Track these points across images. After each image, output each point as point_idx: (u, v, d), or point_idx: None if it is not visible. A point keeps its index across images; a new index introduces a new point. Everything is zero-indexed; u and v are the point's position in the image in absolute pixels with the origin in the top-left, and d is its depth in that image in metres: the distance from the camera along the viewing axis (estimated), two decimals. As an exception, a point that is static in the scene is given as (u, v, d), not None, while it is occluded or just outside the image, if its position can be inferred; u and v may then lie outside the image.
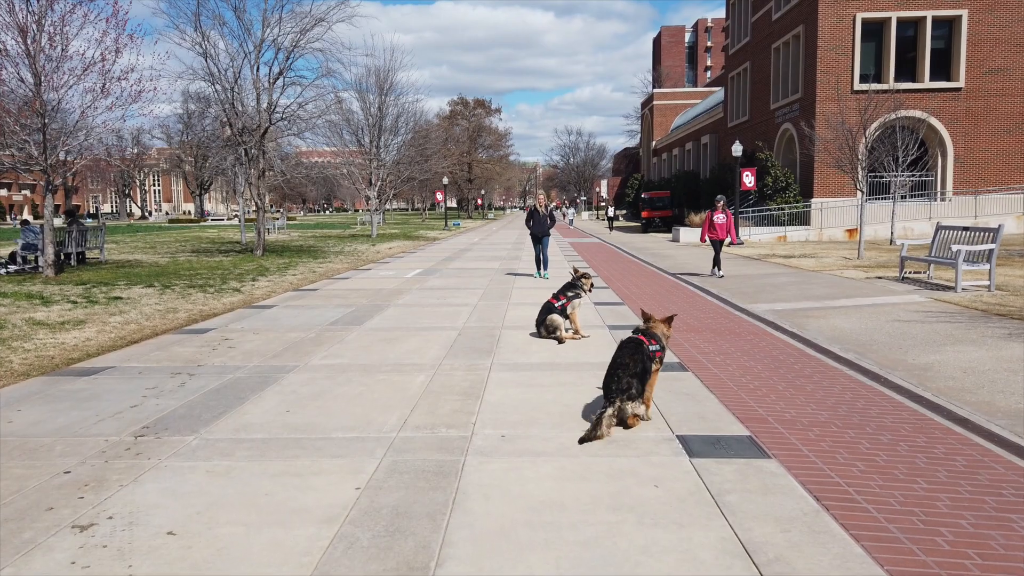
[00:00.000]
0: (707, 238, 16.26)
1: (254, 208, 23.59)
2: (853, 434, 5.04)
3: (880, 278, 14.47)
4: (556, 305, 8.76)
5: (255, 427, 5.30)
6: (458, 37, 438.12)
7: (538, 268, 16.67)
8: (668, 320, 5.85)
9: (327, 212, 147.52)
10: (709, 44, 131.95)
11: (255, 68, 21.61)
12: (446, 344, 8.44)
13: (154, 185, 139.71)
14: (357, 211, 60.84)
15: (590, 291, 9.02)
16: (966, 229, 12.77)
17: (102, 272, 17.19)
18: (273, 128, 23.06)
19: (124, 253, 24.63)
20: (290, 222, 68.66)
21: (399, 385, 6.52)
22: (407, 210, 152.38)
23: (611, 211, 49.31)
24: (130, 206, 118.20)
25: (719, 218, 16.10)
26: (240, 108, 21.40)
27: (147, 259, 21.75)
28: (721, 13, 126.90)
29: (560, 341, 8.47)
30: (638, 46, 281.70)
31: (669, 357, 7.40)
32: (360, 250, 26.56)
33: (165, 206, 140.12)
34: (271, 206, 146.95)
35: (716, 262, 16.06)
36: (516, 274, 17.34)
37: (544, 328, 8.71)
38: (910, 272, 14.21)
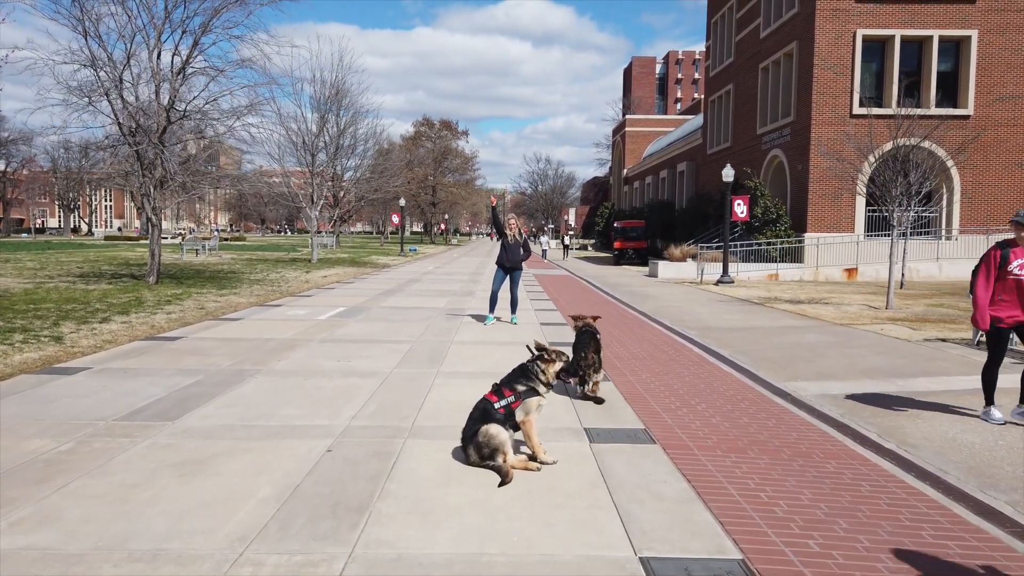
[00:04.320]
0: (990, 318, 6.50)
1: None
2: None
3: (943, 340, 10.90)
4: (497, 406, 4.91)
5: None
6: (435, 63, 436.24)
7: (491, 309, 12.86)
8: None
9: (287, 233, 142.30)
10: (680, 76, 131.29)
11: (155, 53, 17.61)
12: (289, 482, 4.51)
13: (106, 200, 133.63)
14: (320, 233, 56.85)
15: (552, 382, 5.14)
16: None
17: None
18: (182, 131, 19.05)
19: (-9, 275, 20.22)
20: (237, 242, 63.95)
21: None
22: (371, 233, 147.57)
23: (567, 239, 52.40)
24: (77, 221, 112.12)
25: None
26: (133, 101, 17.35)
27: (5, 284, 17.41)
28: (691, 47, 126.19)
29: (503, 476, 4.60)
30: (613, 78, 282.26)
31: (713, 543, 3.61)
32: (288, 278, 22.47)
33: (117, 222, 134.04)
34: (229, 225, 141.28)
35: None
36: (464, 316, 13.48)
37: (475, 449, 4.84)
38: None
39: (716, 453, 5.31)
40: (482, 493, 4.37)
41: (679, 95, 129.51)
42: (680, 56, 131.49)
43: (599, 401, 6.81)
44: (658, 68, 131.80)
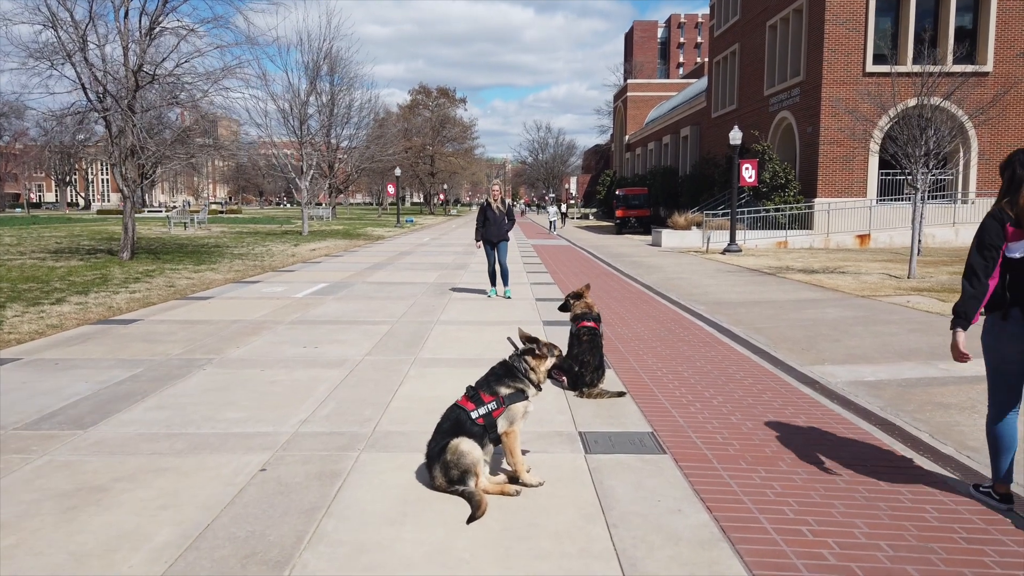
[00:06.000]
0: None
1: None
2: None
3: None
4: (474, 416, 3.92)
5: None
6: (437, 31, 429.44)
7: (492, 282, 12.02)
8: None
9: (285, 205, 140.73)
10: (682, 40, 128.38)
11: (121, 11, 16.38)
12: (199, 520, 3.52)
13: (102, 174, 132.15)
14: (320, 204, 55.54)
15: (543, 382, 4.17)
16: None
17: None
18: (154, 96, 17.87)
19: (-40, 252, 19.21)
20: (231, 215, 62.78)
21: None
22: (371, 204, 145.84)
23: (563, 207, 53.20)
24: (74, 195, 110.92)
25: None
26: (99, 64, 16.17)
27: (-32, 262, 16.43)
28: (695, 10, 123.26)
29: (475, 508, 3.61)
30: (616, 44, 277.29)
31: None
32: (273, 252, 21.44)
33: (115, 196, 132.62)
34: (228, 197, 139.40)
35: None
36: (455, 290, 12.51)
37: (442, 470, 3.85)
38: (1030, 307, 9.58)
39: (740, 466, 4.32)
40: (443, 535, 3.38)
41: (681, 60, 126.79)
42: (683, 19, 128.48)
43: (620, 394, 5.88)
44: (660, 32, 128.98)
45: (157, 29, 16.38)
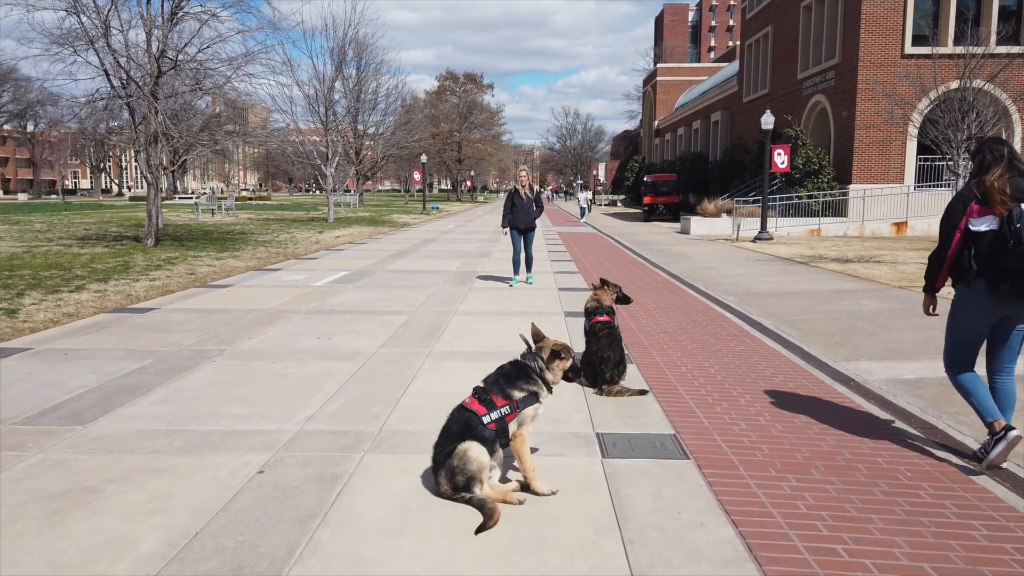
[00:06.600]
0: None
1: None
2: None
3: (1025, 307, 9.39)
4: (486, 420, 3.66)
5: None
6: (466, 16, 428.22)
7: (515, 271, 11.87)
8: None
9: (315, 192, 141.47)
10: (713, 23, 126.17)
11: (144, -3, 16.31)
12: (189, 527, 3.31)
13: (135, 161, 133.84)
14: (348, 191, 55.55)
15: (556, 383, 3.91)
16: None
17: None
18: (178, 82, 17.83)
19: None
20: (259, 202, 63.18)
21: None
22: (399, 191, 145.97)
23: (590, 195, 51.81)
24: (108, 182, 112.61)
25: None
26: (122, 50, 16.11)
27: (-4, 249, 16.57)
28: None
29: (488, 515, 3.37)
30: (646, 28, 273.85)
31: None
32: (298, 239, 21.39)
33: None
34: (259, 184, 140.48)
35: None
36: (478, 278, 12.29)
37: (447, 476, 3.60)
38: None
39: (769, 473, 4.03)
40: (445, 547, 3.14)
41: (713, 43, 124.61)
42: (714, 2, 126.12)
43: (642, 392, 5.59)
44: (691, 16, 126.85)
45: (180, 14, 16.29)
